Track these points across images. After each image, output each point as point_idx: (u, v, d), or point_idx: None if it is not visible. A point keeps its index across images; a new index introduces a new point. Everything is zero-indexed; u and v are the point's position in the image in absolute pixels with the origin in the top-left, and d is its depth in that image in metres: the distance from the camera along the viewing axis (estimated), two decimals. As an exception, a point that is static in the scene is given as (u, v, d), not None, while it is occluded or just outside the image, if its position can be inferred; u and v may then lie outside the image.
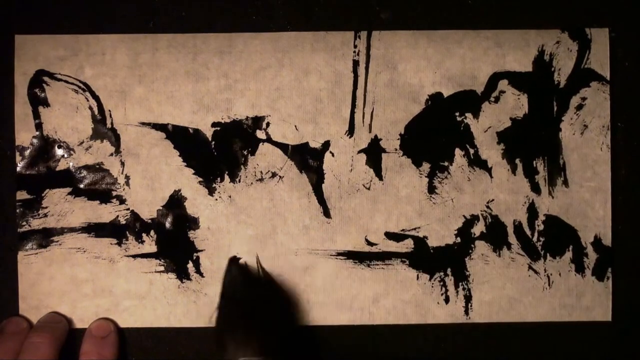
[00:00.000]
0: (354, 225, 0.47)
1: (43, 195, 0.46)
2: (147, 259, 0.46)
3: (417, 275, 0.47)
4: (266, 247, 0.47)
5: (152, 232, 0.46)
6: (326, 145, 0.47)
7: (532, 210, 0.47)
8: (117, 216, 0.46)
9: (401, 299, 0.47)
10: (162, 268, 0.46)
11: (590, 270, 0.47)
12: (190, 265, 0.46)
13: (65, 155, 0.46)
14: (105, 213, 0.46)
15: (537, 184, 0.47)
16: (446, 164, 0.47)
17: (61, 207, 0.46)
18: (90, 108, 0.46)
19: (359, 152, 0.47)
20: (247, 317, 0.41)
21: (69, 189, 0.46)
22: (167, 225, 0.47)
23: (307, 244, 0.47)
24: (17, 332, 0.44)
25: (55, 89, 0.46)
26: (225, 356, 0.39)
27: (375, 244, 0.47)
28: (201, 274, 0.46)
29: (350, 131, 0.47)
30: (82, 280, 0.46)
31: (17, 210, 0.46)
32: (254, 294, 0.44)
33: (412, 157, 0.47)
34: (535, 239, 0.47)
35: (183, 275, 0.46)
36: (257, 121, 0.47)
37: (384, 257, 0.47)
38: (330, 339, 0.47)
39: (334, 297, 0.47)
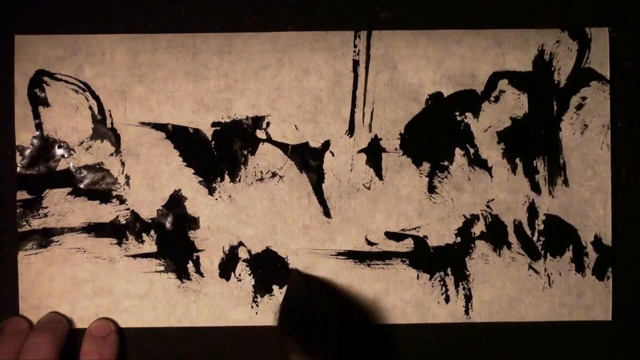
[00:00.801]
0: (354, 225, 0.47)
1: (43, 195, 0.46)
2: (147, 258, 0.46)
3: (417, 274, 0.47)
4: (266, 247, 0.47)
5: (152, 232, 0.46)
6: (326, 145, 0.47)
7: (532, 210, 0.47)
8: (117, 216, 0.46)
9: (401, 298, 0.47)
10: (162, 268, 0.46)
11: (590, 269, 0.47)
12: (190, 265, 0.46)
13: (66, 155, 0.46)
14: (105, 213, 0.46)
15: (537, 184, 0.47)
16: (446, 163, 0.47)
17: (61, 207, 0.46)
18: (90, 108, 0.46)
19: (359, 151, 0.47)
20: (314, 319, 0.41)
21: (69, 189, 0.46)
22: (167, 225, 0.46)
23: (307, 244, 0.46)
24: (17, 332, 0.44)
25: (55, 89, 0.46)
26: (290, 357, 0.38)
27: (376, 244, 0.47)
28: (201, 274, 0.46)
29: (351, 131, 0.47)
30: (82, 280, 0.46)
31: (17, 210, 0.46)
32: (317, 297, 0.44)
33: (412, 156, 0.47)
34: (535, 238, 0.47)
35: (183, 275, 0.46)
36: (257, 121, 0.47)
37: (384, 256, 0.47)
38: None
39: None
